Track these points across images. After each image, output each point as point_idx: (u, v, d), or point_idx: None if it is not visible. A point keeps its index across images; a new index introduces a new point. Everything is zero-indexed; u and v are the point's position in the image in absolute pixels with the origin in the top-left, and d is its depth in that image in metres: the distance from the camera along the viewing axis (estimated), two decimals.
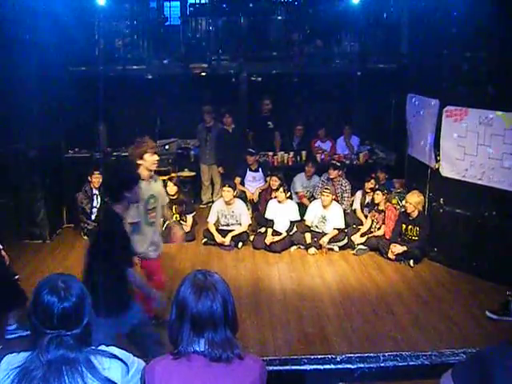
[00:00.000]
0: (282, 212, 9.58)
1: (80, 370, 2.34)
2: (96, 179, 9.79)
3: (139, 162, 6.10)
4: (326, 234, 9.38)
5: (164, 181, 10.00)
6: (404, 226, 8.89)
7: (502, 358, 2.23)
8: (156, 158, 6.22)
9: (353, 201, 10.24)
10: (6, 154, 9.02)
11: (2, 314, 6.34)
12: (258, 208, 10.61)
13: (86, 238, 9.75)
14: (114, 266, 4.67)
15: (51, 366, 2.32)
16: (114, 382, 2.41)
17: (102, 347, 2.53)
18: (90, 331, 2.49)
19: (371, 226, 9.56)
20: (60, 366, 2.33)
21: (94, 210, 9.82)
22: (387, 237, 9.17)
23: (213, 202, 10.83)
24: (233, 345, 2.45)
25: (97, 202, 9.84)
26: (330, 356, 3.23)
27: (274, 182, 9.97)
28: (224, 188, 9.55)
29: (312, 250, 9.25)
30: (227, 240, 9.44)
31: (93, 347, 2.48)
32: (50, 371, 2.31)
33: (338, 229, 9.41)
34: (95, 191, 9.84)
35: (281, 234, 9.52)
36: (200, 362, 2.41)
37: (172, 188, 9.79)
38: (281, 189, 9.57)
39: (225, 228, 9.67)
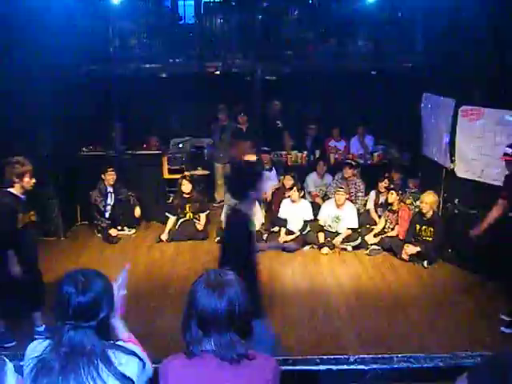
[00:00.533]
0: (295, 211, 9.56)
1: (96, 363, 2.38)
2: (110, 176, 9.82)
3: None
4: (339, 233, 9.36)
5: (178, 179, 10.06)
6: (418, 226, 8.83)
7: None
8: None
9: (366, 200, 10.21)
10: (20, 152, 9.04)
11: (29, 315, 6.37)
12: (271, 207, 10.59)
13: (99, 235, 9.80)
14: (250, 268, 4.70)
15: (68, 357, 2.37)
16: (129, 378, 2.43)
17: (121, 342, 2.58)
18: (108, 325, 2.55)
19: (385, 226, 9.52)
20: (76, 357, 2.37)
21: (108, 207, 9.89)
22: (401, 237, 9.13)
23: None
24: (237, 347, 2.42)
25: (110, 200, 9.89)
26: (343, 356, 3.23)
27: (288, 181, 9.94)
28: None
29: (325, 249, 9.22)
30: None
31: (111, 341, 2.52)
32: (67, 363, 2.37)
33: (351, 228, 9.38)
34: (109, 189, 9.87)
35: (294, 233, 9.50)
36: (212, 362, 2.40)
37: (187, 186, 9.80)
38: (295, 188, 9.54)
39: None
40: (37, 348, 2.48)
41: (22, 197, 6.01)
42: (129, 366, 2.45)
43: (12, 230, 5.93)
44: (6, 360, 2.62)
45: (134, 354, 2.51)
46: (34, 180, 6.08)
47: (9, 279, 5.87)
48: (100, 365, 2.37)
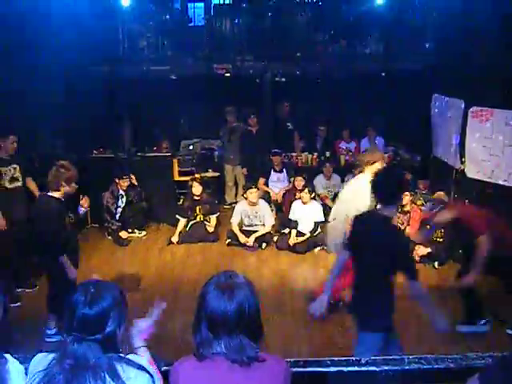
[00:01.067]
0: (306, 213, 9.55)
1: (103, 377, 2.33)
2: (124, 183, 9.86)
3: None
4: None
5: (189, 181, 10.08)
6: (429, 227, 8.80)
7: None
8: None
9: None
10: (31, 155, 9.10)
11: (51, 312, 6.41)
12: (281, 209, 10.60)
13: (109, 237, 9.83)
14: (381, 276, 4.68)
15: (73, 370, 2.33)
16: None
17: (130, 356, 2.51)
18: (115, 340, 2.48)
19: None
20: (82, 371, 2.33)
21: (119, 209, 9.90)
22: (412, 238, 9.10)
23: (236, 202, 10.85)
24: (247, 349, 2.42)
25: (121, 202, 9.91)
26: (354, 358, 3.22)
27: (300, 182, 9.94)
28: (251, 190, 9.51)
29: None
30: (251, 241, 9.44)
31: (121, 354, 2.47)
32: (72, 376, 2.32)
33: None
34: (121, 192, 9.90)
35: (305, 234, 9.49)
36: (223, 365, 2.40)
37: (197, 188, 9.82)
38: (306, 190, 9.53)
39: (248, 229, 9.67)
40: (42, 362, 2.44)
41: (63, 200, 6.03)
42: (137, 380, 2.40)
43: (63, 234, 5.98)
44: (12, 359, 2.57)
45: (143, 368, 2.45)
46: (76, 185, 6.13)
47: (67, 283, 5.83)
48: (107, 379, 2.33)
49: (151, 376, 2.46)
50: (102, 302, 2.43)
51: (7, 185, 7.57)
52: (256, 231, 9.59)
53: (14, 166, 7.62)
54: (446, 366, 3.11)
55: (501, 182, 7.64)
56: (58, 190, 5.93)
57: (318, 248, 9.38)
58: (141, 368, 2.45)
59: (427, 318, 5.01)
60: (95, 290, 2.45)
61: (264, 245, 9.50)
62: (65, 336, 2.42)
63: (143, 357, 2.69)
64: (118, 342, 2.50)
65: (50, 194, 5.98)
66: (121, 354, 2.47)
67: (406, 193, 9.30)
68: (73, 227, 6.39)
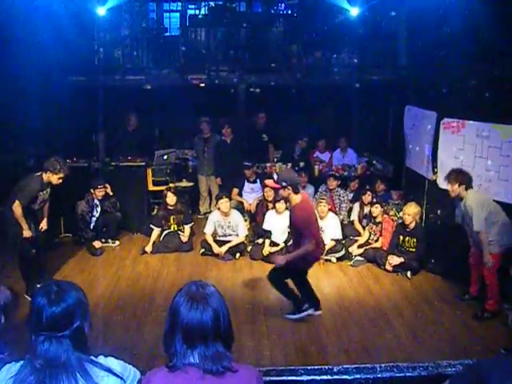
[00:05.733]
0: (279, 223, 9.58)
1: (74, 375, 2.36)
2: (99, 192, 9.79)
3: None
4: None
5: (163, 191, 10.05)
6: (401, 237, 8.89)
7: (498, 369, 2.24)
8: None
9: (350, 211, 10.25)
10: (4, 164, 9.02)
11: None
12: (255, 219, 10.62)
13: (83, 247, 9.73)
14: None
15: (45, 370, 2.35)
16: None
17: (100, 358, 2.53)
18: (83, 336, 2.50)
19: (369, 237, 9.57)
20: (53, 370, 2.35)
21: (94, 219, 9.83)
22: (384, 248, 9.18)
23: (210, 212, 10.85)
24: (224, 359, 2.42)
25: (96, 212, 9.84)
26: (326, 367, 3.24)
27: (269, 193, 10.00)
28: (222, 200, 9.52)
29: None
30: (223, 251, 9.44)
31: (91, 357, 2.48)
32: (44, 376, 2.34)
33: (335, 240, 9.41)
34: (96, 201, 9.83)
35: (278, 244, 9.51)
36: (196, 375, 2.39)
37: (172, 198, 9.81)
38: (281, 200, 9.58)
39: (222, 239, 9.67)
40: (11, 369, 2.43)
41: None
42: (108, 382, 2.44)
43: None
44: None
45: (109, 370, 2.47)
46: None
47: None
48: (80, 378, 2.36)
49: (119, 377, 2.49)
50: (68, 299, 2.46)
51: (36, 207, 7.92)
52: (230, 241, 9.58)
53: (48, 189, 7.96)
54: (418, 374, 3.15)
55: None
56: None
57: None
58: (108, 371, 2.47)
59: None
60: (58, 289, 2.48)
61: (238, 255, 9.50)
62: (33, 337, 2.43)
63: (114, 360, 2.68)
64: (86, 338, 2.52)
65: None
66: (91, 357, 2.49)
67: (377, 205, 9.41)
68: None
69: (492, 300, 7.17)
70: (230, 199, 9.87)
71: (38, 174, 7.71)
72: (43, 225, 8.05)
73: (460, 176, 7.07)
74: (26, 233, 7.57)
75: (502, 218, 7.03)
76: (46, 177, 7.68)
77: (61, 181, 7.80)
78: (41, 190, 7.72)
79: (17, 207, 7.50)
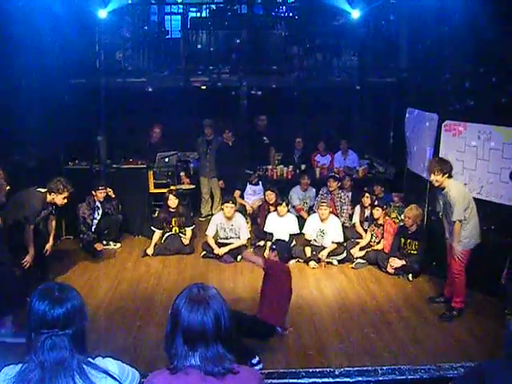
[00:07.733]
0: (281, 225, 9.58)
1: (72, 376, 2.37)
2: (101, 194, 9.79)
3: None
4: (324, 247, 9.37)
5: (165, 193, 10.05)
6: (403, 239, 8.89)
7: (500, 372, 2.23)
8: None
9: (352, 214, 10.25)
10: (5, 166, 9.02)
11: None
12: (257, 221, 10.61)
13: (84, 249, 9.72)
14: None
15: (46, 367, 2.36)
16: None
17: (98, 359, 2.54)
18: (83, 338, 2.51)
19: (370, 239, 9.56)
20: (54, 367, 2.36)
21: (95, 221, 9.82)
22: (386, 251, 9.17)
23: (212, 215, 10.84)
24: (224, 360, 2.42)
25: (98, 214, 9.84)
26: (328, 369, 3.24)
27: (270, 196, 10.02)
28: (226, 204, 9.52)
29: (312, 263, 9.22)
30: (223, 251, 9.43)
31: (89, 359, 2.50)
32: (45, 373, 2.35)
33: (336, 242, 9.40)
34: (98, 204, 9.83)
35: None
36: (197, 376, 2.39)
37: (173, 200, 9.80)
38: (283, 203, 9.59)
39: (224, 241, 9.66)
40: (9, 373, 2.44)
41: None
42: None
43: None
44: None
45: (108, 374, 2.48)
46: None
47: None
48: (78, 378, 2.37)
49: (116, 379, 2.49)
50: (71, 300, 2.49)
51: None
52: (231, 244, 9.58)
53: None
54: (419, 377, 3.14)
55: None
56: None
57: (294, 260, 9.39)
58: (105, 373, 2.48)
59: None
60: (58, 291, 2.50)
61: (239, 257, 9.49)
62: (32, 336, 2.44)
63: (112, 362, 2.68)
64: (85, 340, 2.53)
65: None
66: (89, 359, 2.50)
67: (378, 208, 9.40)
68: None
69: (459, 298, 7.28)
70: (236, 203, 9.86)
71: (38, 190, 7.73)
72: (48, 247, 8.06)
73: (443, 165, 7.04)
74: (29, 258, 7.41)
75: (474, 219, 7.09)
76: (51, 198, 7.73)
77: (66, 201, 7.87)
78: (43, 210, 7.72)
79: (29, 232, 7.41)
